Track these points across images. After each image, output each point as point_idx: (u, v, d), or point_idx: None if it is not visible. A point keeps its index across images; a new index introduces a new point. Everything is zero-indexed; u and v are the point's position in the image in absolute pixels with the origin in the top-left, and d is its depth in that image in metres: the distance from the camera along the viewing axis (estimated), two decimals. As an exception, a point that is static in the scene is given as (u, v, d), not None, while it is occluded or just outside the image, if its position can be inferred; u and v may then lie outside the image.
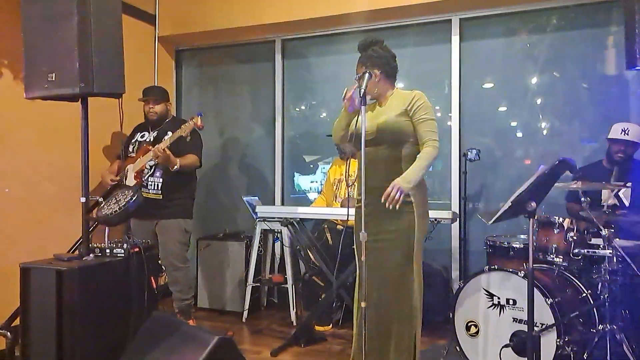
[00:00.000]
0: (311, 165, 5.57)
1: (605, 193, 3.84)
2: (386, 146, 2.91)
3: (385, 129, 2.90)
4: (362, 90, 2.68)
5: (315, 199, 5.09)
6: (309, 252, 4.38)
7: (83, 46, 2.81)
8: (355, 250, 3.09)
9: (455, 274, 4.70)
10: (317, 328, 4.34)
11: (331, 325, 4.45)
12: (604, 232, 3.18)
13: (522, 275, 3.22)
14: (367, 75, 2.77)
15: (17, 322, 3.00)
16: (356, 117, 2.76)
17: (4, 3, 3.81)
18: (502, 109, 4.79)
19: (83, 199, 3.01)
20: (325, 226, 4.62)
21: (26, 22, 2.97)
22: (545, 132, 4.65)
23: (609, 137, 3.86)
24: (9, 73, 3.88)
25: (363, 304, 2.67)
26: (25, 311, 2.84)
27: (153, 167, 4.13)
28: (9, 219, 3.90)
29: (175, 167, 3.93)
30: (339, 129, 3.13)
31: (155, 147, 3.88)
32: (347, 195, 4.49)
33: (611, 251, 3.18)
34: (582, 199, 3.26)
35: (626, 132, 3.77)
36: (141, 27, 5.32)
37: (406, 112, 2.92)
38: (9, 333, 3.19)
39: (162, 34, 5.51)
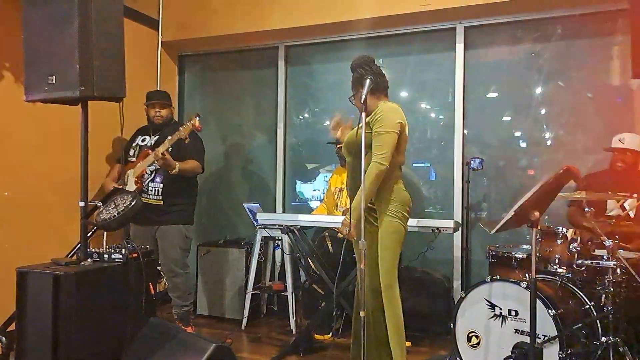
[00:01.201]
0: (313, 173, 5.53)
1: (610, 203, 3.80)
2: (353, 157, 3.14)
3: (350, 141, 3.17)
4: (363, 97, 2.78)
5: (316, 207, 5.05)
6: (309, 260, 4.34)
7: (84, 49, 2.79)
8: (356, 257, 3.12)
9: (456, 283, 4.66)
10: (317, 337, 4.30)
11: (331, 334, 4.40)
12: (608, 243, 3.14)
13: (525, 285, 3.17)
14: (367, 81, 2.88)
15: (13, 327, 2.96)
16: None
17: (6, 5, 3.81)
18: (506, 118, 4.75)
19: (82, 204, 2.98)
20: (326, 234, 4.59)
21: (27, 24, 2.96)
22: (549, 142, 4.61)
23: (604, 147, 3.91)
24: (10, 76, 3.87)
25: (362, 314, 2.66)
26: (21, 316, 2.81)
27: (154, 172, 4.11)
28: (8, 222, 3.88)
29: (174, 170, 3.91)
30: None
31: (155, 150, 3.86)
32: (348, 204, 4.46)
33: (615, 262, 3.14)
34: (586, 209, 3.22)
35: (622, 140, 3.80)
36: (144, 32, 5.31)
37: (368, 124, 3.01)
38: (4, 338, 3.17)
39: (165, 39, 5.50)
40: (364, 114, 2.75)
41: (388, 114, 3.02)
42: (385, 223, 3.05)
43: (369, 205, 3.03)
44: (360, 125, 2.79)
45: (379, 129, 2.98)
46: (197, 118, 3.79)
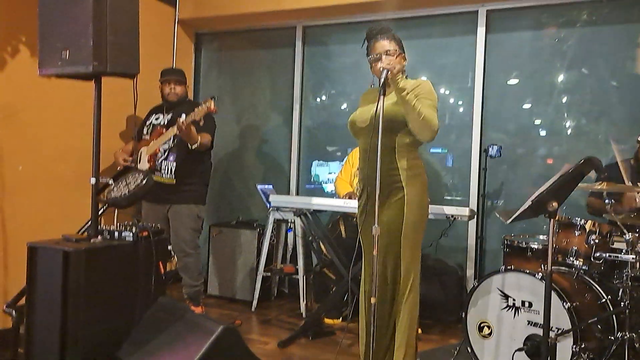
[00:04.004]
0: (337, 154, 5.46)
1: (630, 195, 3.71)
2: (369, 135, 2.74)
3: (368, 118, 2.83)
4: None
5: (334, 183, 4.90)
6: (321, 244, 4.31)
7: (98, 24, 2.74)
8: (361, 243, 3.00)
9: (470, 272, 4.60)
10: (327, 321, 4.28)
11: (340, 318, 4.38)
12: (628, 236, 3.06)
13: (540, 277, 3.11)
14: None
15: (23, 301, 2.97)
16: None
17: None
18: (527, 105, 4.65)
19: (93, 180, 2.96)
20: (340, 217, 4.55)
21: (43, -3, 2.92)
22: (570, 131, 4.51)
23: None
24: (26, 50, 3.84)
25: (373, 300, 2.61)
26: (31, 291, 2.81)
27: (167, 151, 4.09)
28: (21, 197, 3.88)
29: (195, 145, 3.86)
30: None
31: (179, 120, 3.79)
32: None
33: (634, 256, 3.06)
34: (607, 200, 3.14)
35: None
36: (161, 9, 5.25)
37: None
38: (14, 312, 3.17)
39: (182, 17, 5.44)
40: (382, 98, 2.61)
41: (432, 90, 2.86)
42: (413, 205, 2.81)
43: (395, 185, 2.81)
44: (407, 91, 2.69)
45: (426, 100, 2.77)
46: (213, 100, 3.73)
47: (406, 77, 2.96)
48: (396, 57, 2.87)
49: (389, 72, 2.67)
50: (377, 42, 2.93)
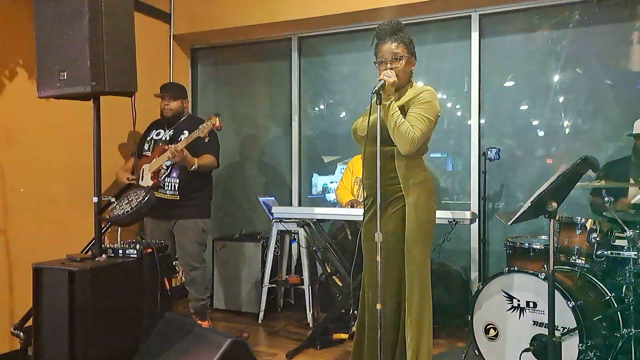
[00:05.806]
0: (329, 166, 5.50)
1: (632, 190, 3.73)
2: (371, 144, 2.74)
3: (374, 126, 2.71)
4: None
5: (335, 191, 4.91)
6: (327, 255, 4.31)
7: (94, 45, 2.78)
8: (363, 249, 3.01)
9: (474, 275, 4.61)
10: (335, 336, 4.20)
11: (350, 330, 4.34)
12: (629, 232, 3.07)
13: (543, 277, 3.12)
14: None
15: (30, 322, 2.98)
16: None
17: (19, 3, 3.82)
18: (524, 107, 4.67)
19: (95, 199, 2.98)
20: (345, 221, 4.55)
21: (38, 21, 2.95)
22: (567, 130, 4.53)
23: (631, 133, 3.79)
24: (23, 72, 3.88)
25: (379, 306, 2.62)
26: (37, 312, 2.83)
27: (170, 167, 4.11)
28: (24, 219, 3.89)
29: (194, 167, 3.90)
30: None
31: (172, 147, 3.84)
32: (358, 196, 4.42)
33: (636, 253, 3.08)
34: (606, 198, 3.15)
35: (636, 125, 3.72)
36: (156, 26, 5.29)
37: (403, 106, 2.79)
38: (22, 333, 3.19)
39: (177, 33, 5.47)
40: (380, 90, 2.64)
41: (435, 100, 2.81)
42: (415, 209, 2.78)
43: (396, 194, 2.81)
44: (392, 100, 2.68)
45: (421, 112, 2.74)
46: (218, 117, 3.73)
47: (412, 83, 2.95)
48: (404, 62, 2.85)
49: (385, 83, 2.68)
50: (384, 44, 2.87)
